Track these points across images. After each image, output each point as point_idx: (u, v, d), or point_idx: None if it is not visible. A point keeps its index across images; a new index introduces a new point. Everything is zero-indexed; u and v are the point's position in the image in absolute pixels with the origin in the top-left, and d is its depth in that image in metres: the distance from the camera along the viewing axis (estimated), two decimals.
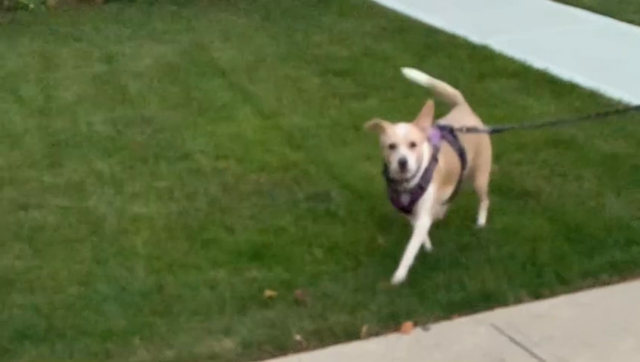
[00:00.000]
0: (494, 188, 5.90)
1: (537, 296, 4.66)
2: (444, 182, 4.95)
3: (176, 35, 10.63)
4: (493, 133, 5.35)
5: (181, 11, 11.85)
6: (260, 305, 4.61)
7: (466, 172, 5.12)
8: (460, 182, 5.10)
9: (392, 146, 4.69)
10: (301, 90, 8.43)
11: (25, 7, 11.76)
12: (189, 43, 10.22)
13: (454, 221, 5.49)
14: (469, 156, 5.12)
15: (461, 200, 5.74)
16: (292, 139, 6.99)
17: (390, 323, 4.43)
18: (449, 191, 5.06)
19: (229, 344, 4.32)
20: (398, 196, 4.85)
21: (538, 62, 8.69)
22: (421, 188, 4.78)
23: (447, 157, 4.94)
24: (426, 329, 4.39)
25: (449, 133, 5.01)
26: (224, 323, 4.49)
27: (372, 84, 8.51)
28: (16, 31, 11.06)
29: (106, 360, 4.25)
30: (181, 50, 9.87)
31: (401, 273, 4.76)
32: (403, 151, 4.66)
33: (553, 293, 4.69)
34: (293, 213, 5.70)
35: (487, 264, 4.94)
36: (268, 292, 4.72)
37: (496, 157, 6.35)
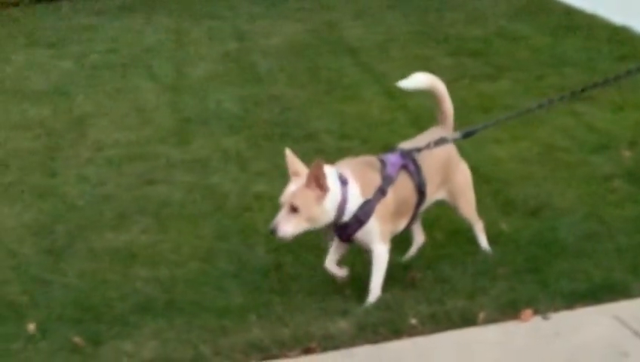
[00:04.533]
0: (627, 174, 5.70)
1: None
2: (395, 214, 4.49)
3: (307, 13, 10.65)
4: (465, 137, 4.83)
5: None
6: None
7: (423, 207, 4.65)
8: (414, 215, 4.64)
9: (280, 204, 4.33)
10: (431, 70, 8.19)
11: None
12: (320, 21, 10.23)
13: (582, 208, 5.33)
14: (432, 187, 4.63)
15: (590, 187, 5.58)
16: (419, 120, 6.88)
17: (509, 310, 4.31)
18: (403, 223, 4.60)
19: (344, 325, 4.27)
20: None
21: None
22: (359, 222, 4.39)
23: (401, 190, 4.48)
24: (546, 318, 4.26)
25: (412, 163, 4.53)
26: (340, 305, 4.45)
27: (504, 65, 8.34)
28: (153, 7, 11.32)
29: (222, 337, 4.26)
30: (312, 29, 9.88)
31: (372, 299, 4.46)
32: (279, 216, 4.27)
33: None
34: None
35: (614, 254, 4.76)
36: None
37: (631, 144, 6.15)
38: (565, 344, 4.07)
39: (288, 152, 4.43)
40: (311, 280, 4.71)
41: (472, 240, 5.00)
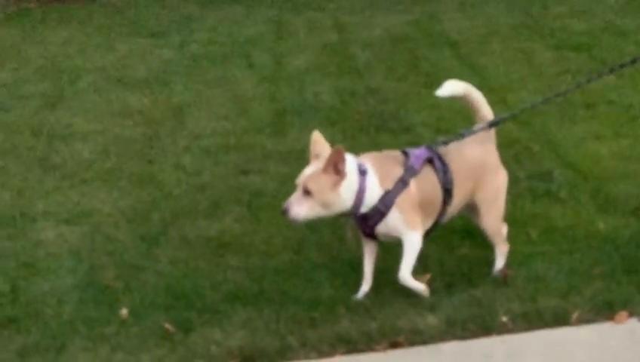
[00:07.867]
0: None
1: None
2: (419, 209, 4.38)
3: (408, 5, 10.60)
4: (491, 126, 4.65)
5: None
6: (467, 283, 4.49)
7: (450, 208, 4.49)
8: (441, 215, 4.49)
9: (295, 185, 4.29)
10: (532, 64, 8.19)
11: None
12: (420, 13, 10.16)
13: None
14: (462, 190, 4.48)
15: None
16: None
17: (604, 311, 4.21)
18: (427, 223, 4.46)
19: (432, 320, 4.23)
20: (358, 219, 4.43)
21: None
22: (380, 214, 4.32)
23: (425, 185, 4.38)
24: None
25: (439, 160, 4.43)
26: (430, 299, 4.40)
27: (609, 60, 8.12)
28: None
29: (310, 328, 4.26)
30: (412, 21, 9.82)
31: (422, 292, 4.43)
32: (292, 197, 4.25)
33: None
34: (512, 191, 5.44)
35: None
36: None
37: None
38: None
39: (316, 134, 4.41)
40: None
41: (568, 238, 4.90)
